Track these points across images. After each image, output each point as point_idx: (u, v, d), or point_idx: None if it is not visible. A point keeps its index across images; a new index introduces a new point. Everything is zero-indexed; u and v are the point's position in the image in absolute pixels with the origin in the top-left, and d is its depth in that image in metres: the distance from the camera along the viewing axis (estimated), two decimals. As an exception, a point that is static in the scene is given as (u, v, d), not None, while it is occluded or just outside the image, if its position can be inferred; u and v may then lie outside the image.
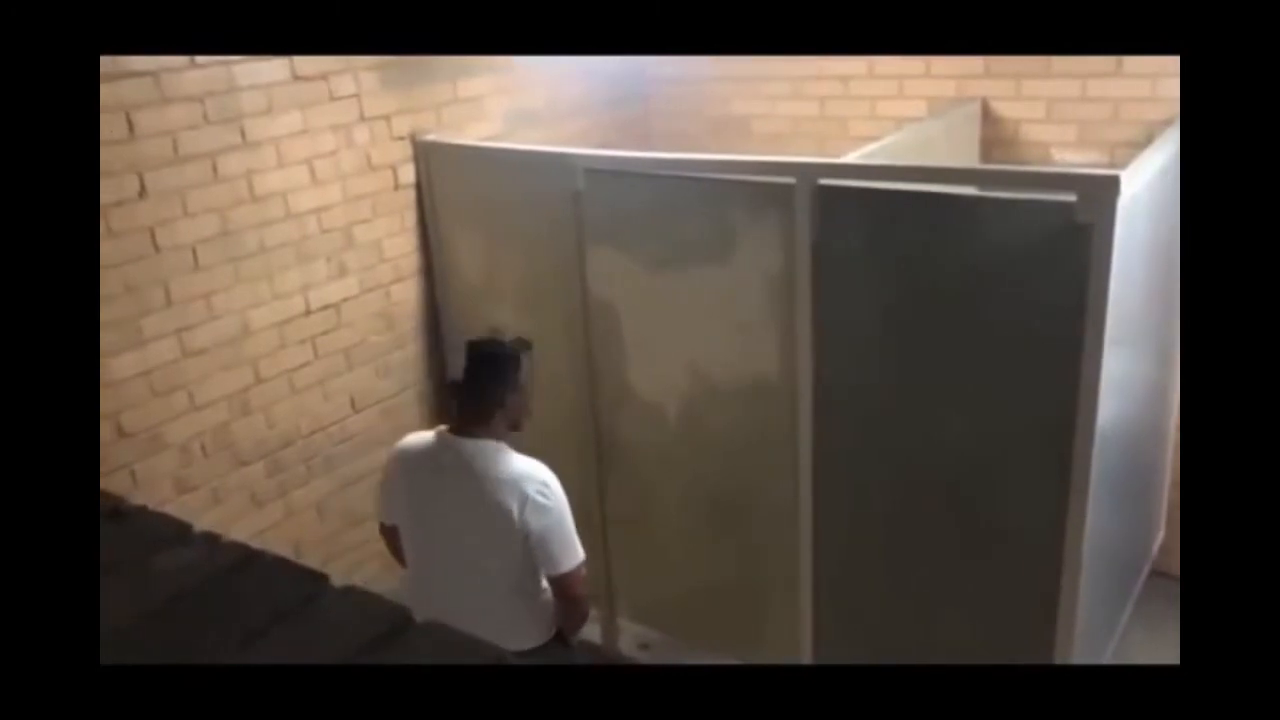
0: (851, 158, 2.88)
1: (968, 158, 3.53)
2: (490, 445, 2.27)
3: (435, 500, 2.31)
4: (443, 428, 2.34)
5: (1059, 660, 2.51)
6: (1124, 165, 2.31)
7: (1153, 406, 3.26)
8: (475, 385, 2.30)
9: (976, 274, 2.40)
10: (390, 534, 2.46)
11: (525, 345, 2.38)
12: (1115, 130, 3.35)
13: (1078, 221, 2.17)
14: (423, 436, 2.37)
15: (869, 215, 2.55)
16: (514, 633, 2.31)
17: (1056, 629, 2.49)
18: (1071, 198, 2.19)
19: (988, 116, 3.58)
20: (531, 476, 2.23)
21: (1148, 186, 2.43)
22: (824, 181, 2.53)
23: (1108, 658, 3.12)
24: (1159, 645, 3.36)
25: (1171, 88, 3.23)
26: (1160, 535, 3.67)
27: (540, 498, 2.21)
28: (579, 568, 2.29)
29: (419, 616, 0.75)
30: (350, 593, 0.77)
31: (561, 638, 2.42)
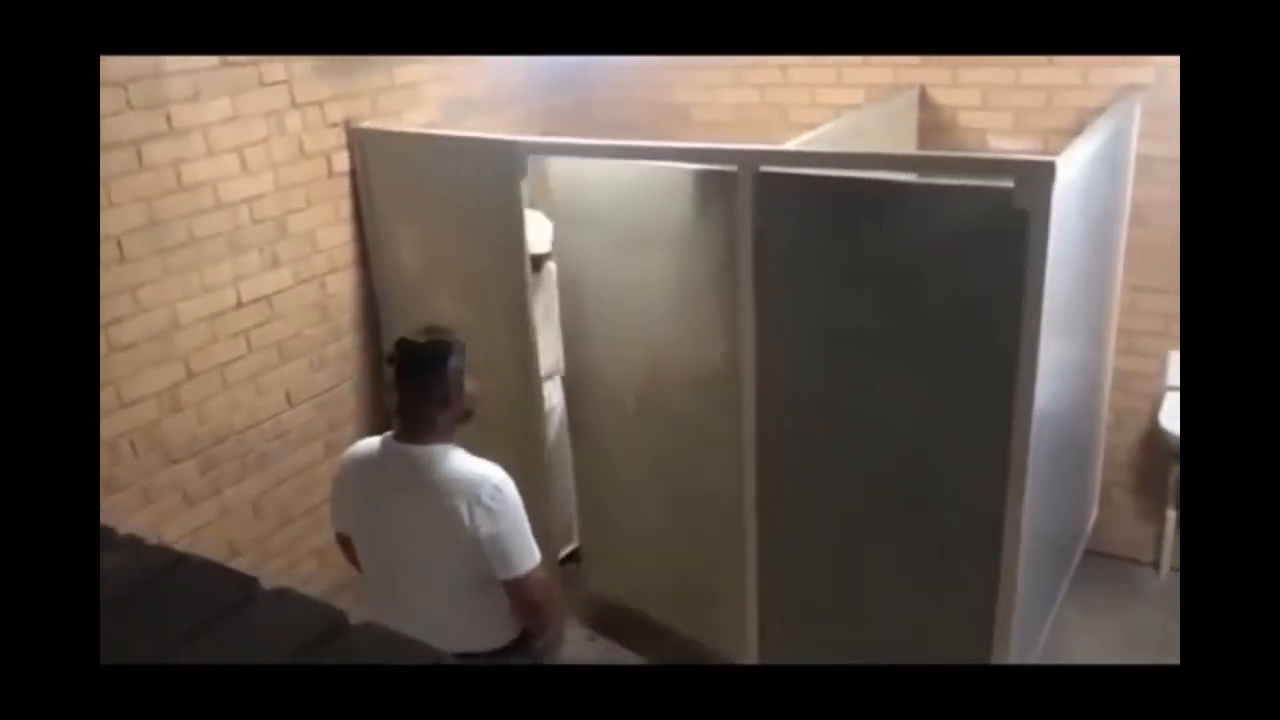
0: (792, 145, 2.89)
1: (906, 144, 3.56)
2: (439, 450, 2.21)
3: (384, 509, 2.26)
4: (389, 434, 2.28)
5: (998, 637, 2.55)
6: (1057, 152, 2.34)
7: (1085, 388, 3.33)
8: (413, 388, 2.21)
9: (916, 259, 2.42)
10: (345, 542, 2.42)
11: (454, 336, 2.29)
12: (1048, 117, 3.41)
13: (1015, 207, 2.20)
14: (370, 444, 2.32)
15: (810, 202, 2.55)
16: (471, 637, 2.28)
17: (996, 608, 2.53)
18: (1009, 183, 2.21)
19: (925, 104, 3.61)
20: (483, 480, 2.17)
21: (1080, 172, 2.47)
22: (765, 168, 2.53)
23: (1044, 636, 3.19)
24: (1093, 623, 3.45)
25: (1102, 76, 3.29)
26: (1094, 515, 3.76)
27: (491, 502, 2.15)
28: (534, 571, 2.23)
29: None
30: (283, 595, 0.74)
31: (524, 641, 2.37)
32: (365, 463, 2.29)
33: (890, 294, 2.48)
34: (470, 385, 2.29)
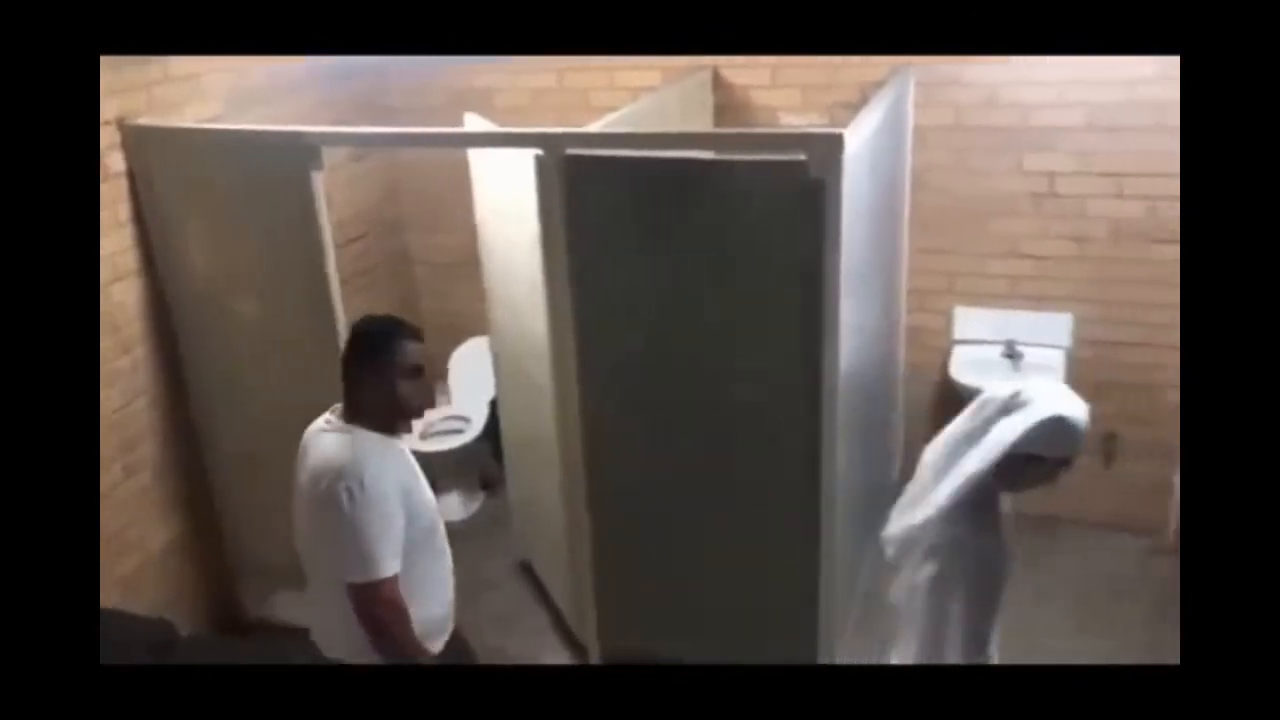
0: (595, 128, 2.91)
1: (702, 123, 3.67)
2: (337, 434, 2.09)
3: (294, 491, 2.18)
4: (335, 408, 2.19)
5: (823, 586, 2.69)
6: (844, 124, 2.48)
7: (884, 346, 3.55)
8: (344, 369, 2.15)
9: (723, 232, 2.51)
10: None
11: (398, 327, 2.15)
12: (832, 93, 3.59)
13: (810, 178, 2.31)
14: (317, 420, 2.21)
15: (617, 183, 2.59)
16: (332, 641, 2.18)
17: (819, 561, 2.67)
18: (802, 156, 2.33)
19: (719, 83, 3.73)
20: (342, 472, 2.01)
21: (866, 143, 2.63)
22: (571, 151, 2.55)
23: (860, 584, 3.39)
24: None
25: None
26: (899, 466, 4.01)
27: (341, 495, 1.99)
28: (367, 586, 2.03)
29: None
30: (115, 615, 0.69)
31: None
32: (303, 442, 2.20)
33: (701, 267, 2.56)
34: (395, 387, 2.11)
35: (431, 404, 2.17)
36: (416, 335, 2.15)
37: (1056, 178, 3.47)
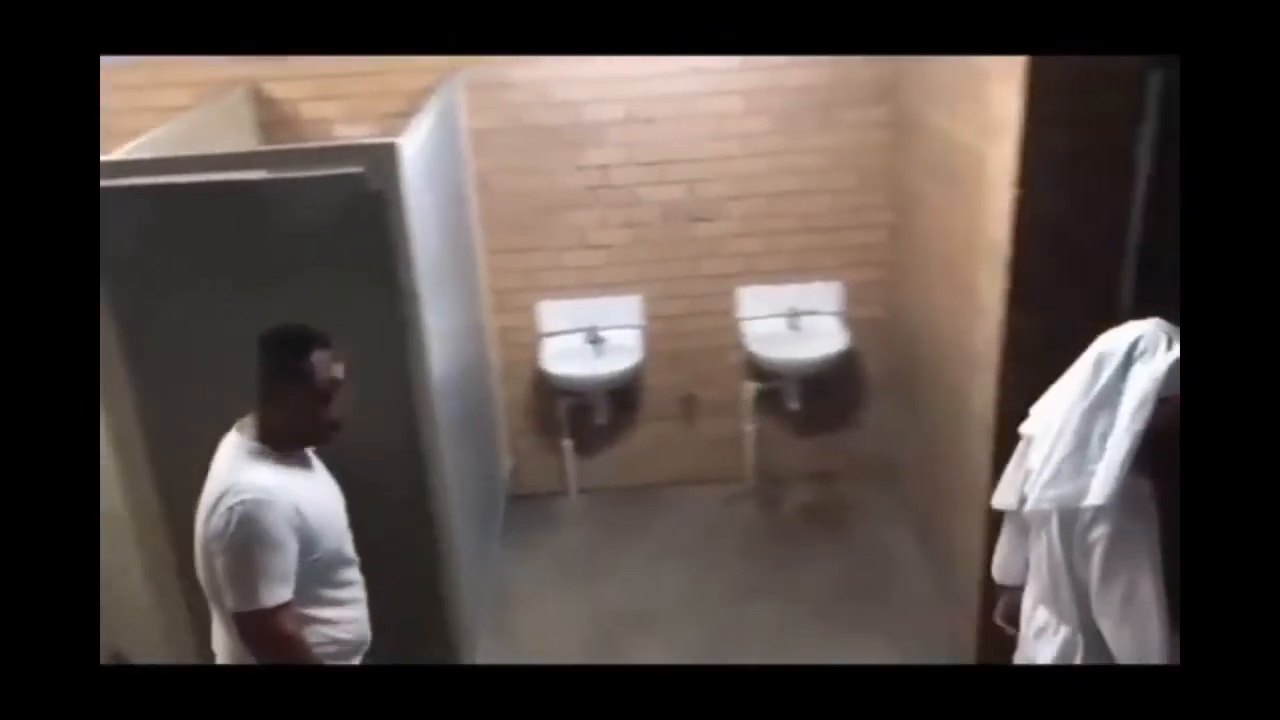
0: (119, 155, 2.61)
1: (247, 142, 3.44)
2: (228, 452, 1.98)
3: None
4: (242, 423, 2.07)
5: (447, 594, 2.67)
6: (397, 134, 2.45)
7: (473, 349, 3.58)
8: (258, 383, 2.02)
9: (285, 256, 2.38)
10: None
11: (310, 336, 1.99)
12: (383, 102, 3.53)
13: (370, 190, 2.27)
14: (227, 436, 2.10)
15: (155, 214, 2.36)
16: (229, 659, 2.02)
17: (441, 567, 2.65)
18: (359, 169, 2.28)
19: (260, 99, 3.52)
20: (228, 490, 1.90)
21: (421, 151, 2.63)
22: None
23: (490, 581, 3.42)
24: (526, 559, 3.79)
25: (427, 59, 3.47)
26: (509, 463, 4.09)
27: (223, 516, 1.87)
28: (251, 615, 1.88)
29: None
30: None
31: None
32: None
33: (268, 293, 2.40)
34: (292, 400, 1.99)
35: (348, 416, 2.07)
36: (329, 343, 1.99)
37: (610, 170, 3.72)
